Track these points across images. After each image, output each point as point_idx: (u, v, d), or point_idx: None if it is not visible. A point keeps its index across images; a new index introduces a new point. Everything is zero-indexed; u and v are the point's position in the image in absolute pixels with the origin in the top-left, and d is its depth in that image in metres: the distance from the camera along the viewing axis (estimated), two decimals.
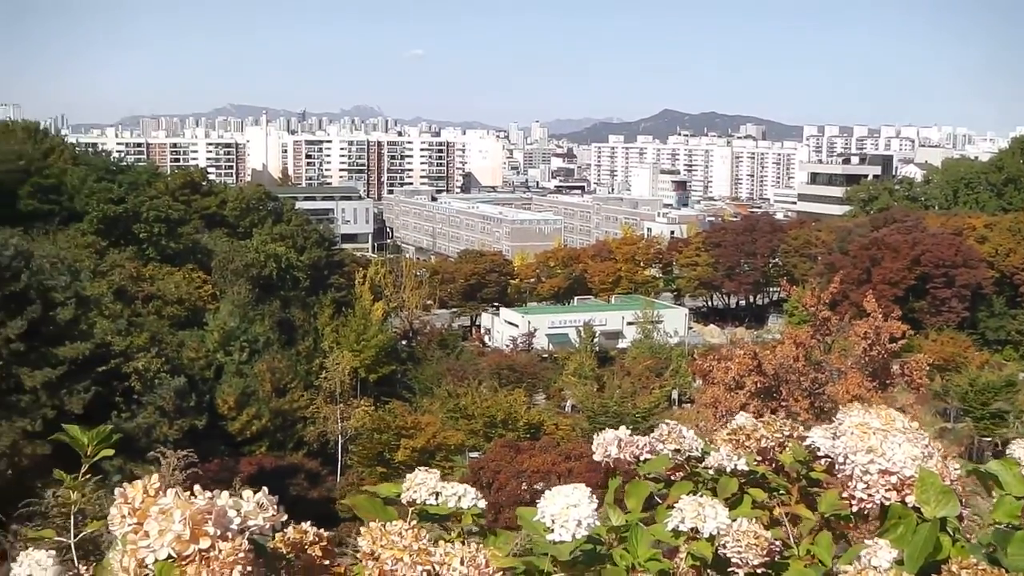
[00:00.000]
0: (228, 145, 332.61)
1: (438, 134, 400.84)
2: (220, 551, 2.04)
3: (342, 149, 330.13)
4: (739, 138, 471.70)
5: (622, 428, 3.14)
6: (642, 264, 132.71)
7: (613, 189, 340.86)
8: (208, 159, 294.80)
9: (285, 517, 2.29)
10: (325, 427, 60.07)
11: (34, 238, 62.59)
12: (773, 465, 3.10)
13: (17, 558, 2.27)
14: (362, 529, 2.41)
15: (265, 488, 2.28)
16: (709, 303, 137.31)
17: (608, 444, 3.09)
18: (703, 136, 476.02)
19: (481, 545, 2.37)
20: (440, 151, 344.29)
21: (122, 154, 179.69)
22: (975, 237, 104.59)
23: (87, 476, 2.88)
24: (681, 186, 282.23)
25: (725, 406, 34.96)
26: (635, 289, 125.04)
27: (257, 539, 2.22)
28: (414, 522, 2.47)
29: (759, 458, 3.08)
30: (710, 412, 36.44)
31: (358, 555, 2.42)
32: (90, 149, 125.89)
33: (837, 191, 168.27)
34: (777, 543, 2.67)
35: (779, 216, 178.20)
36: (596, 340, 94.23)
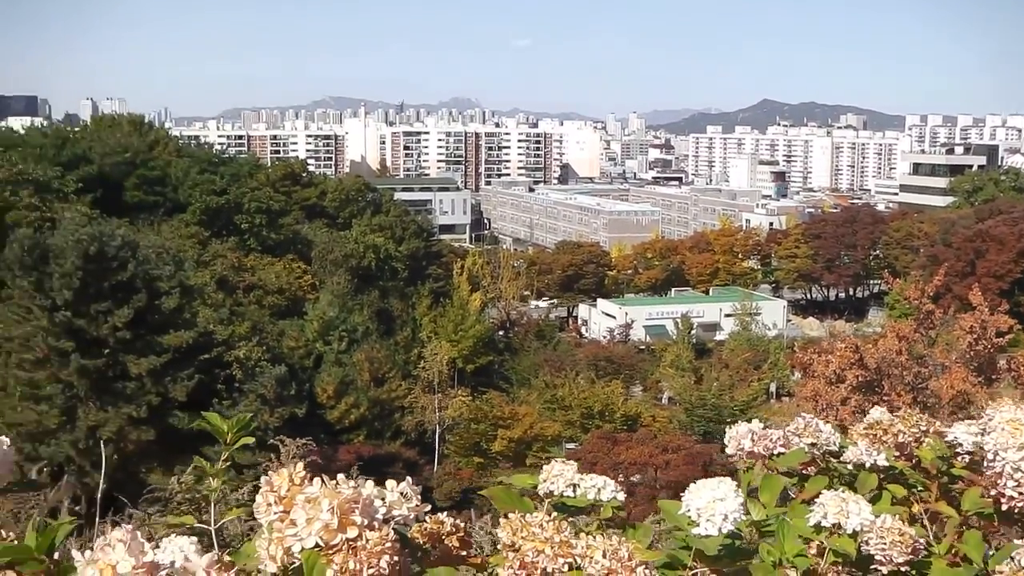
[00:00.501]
0: (327, 137, 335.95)
1: (535, 125, 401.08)
2: (367, 541, 2.03)
3: (440, 140, 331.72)
4: (839, 128, 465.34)
5: (755, 421, 3.08)
6: (740, 256, 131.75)
7: (711, 180, 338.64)
8: (307, 151, 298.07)
9: (429, 508, 2.28)
10: (423, 417, 60.31)
11: (139, 229, 63.79)
12: (912, 461, 3.03)
13: (161, 544, 2.28)
14: (502, 520, 2.39)
15: (409, 479, 2.27)
16: (808, 295, 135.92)
17: (742, 437, 3.03)
18: (802, 126, 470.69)
19: (622, 538, 2.33)
20: (537, 142, 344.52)
21: (223, 146, 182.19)
22: None
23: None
24: (780, 177, 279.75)
25: (826, 400, 34.53)
26: (733, 281, 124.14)
27: (400, 529, 2.21)
28: (555, 514, 2.44)
29: (897, 453, 3.01)
30: (810, 406, 35.96)
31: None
32: (192, 141, 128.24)
33: (940, 182, 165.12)
34: (921, 541, 2.60)
35: (880, 207, 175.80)
36: (693, 332, 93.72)
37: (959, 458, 2.93)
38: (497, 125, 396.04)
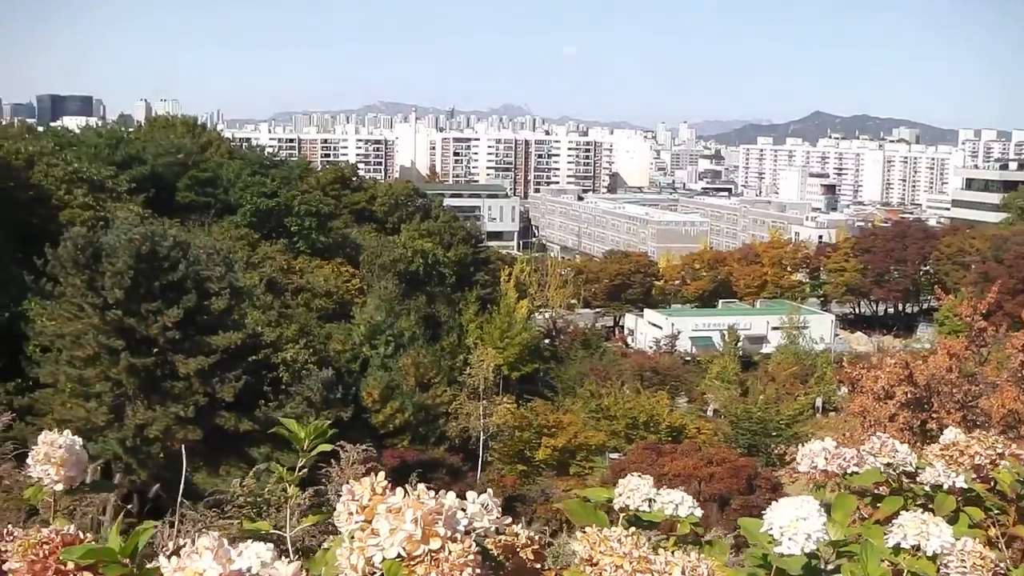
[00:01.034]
0: (377, 141, 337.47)
1: (585, 133, 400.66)
2: (450, 553, 2.02)
3: (489, 147, 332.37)
4: (891, 141, 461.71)
5: (828, 439, 3.05)
6: (789, 268, 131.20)
7: (761, 192, 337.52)
8: (357, 155, 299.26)
9: (509, 520, 2.27)
10: (467, 423, 60.32)
11: (190, 229, 64.22)
12: (990, 483, 2.99)
13: (238, 549, 2.28)
14: (579, 534, 2.38)
15: (490, 490, 2.26)
16: (856, 310, 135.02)
17: (815, 455, 3.00)
18: (854, 139, 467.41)
19: (701, 555, 2.30)
20: (587, 150, 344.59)
21: (274, 149, 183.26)
22: None
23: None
24: (830, 190, 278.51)
25: (874, 416, 34.18)
26: (781, 293, 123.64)
27: (479, 541, 2.20)
28: (634, 528, 2.42)
29: (975, 475, 2.97)
30: (858, 421, 35.67)
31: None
32: (244, 144, 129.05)
33: (993, 197, 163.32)
34: (1001, 565, 2.57)
35: (932, 222, 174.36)
36: (740, 344, 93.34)
37: None
38: (547, 133, 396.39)
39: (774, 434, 59.46)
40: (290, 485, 2.75)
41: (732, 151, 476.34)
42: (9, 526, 2.73)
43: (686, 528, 2.61)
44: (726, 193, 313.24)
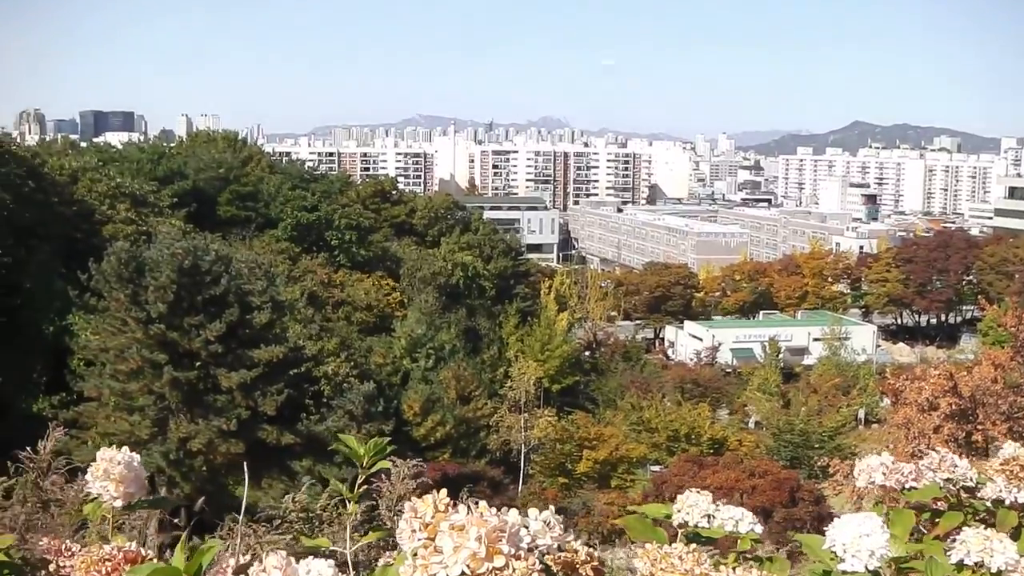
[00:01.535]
0: (416, 155, 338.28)
1: (624, 145, 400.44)
2: (514, 570, 2.02)
3: (528, 160, 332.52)
4: (932, 151, 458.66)
5: (885, 454, 3.03)
6: (830, 279, 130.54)
7: (801, 202, 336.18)
8: (397, 168, 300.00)
9: (571, 537, 2.27)
10: (508, 436, 60.35)
11: (232, 243, 64.57)
12: None
13: (299, 566, 2.28)
14: (639, 550, 2.37)
15: (552, 507, 2.25)
16: (899, 320, 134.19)
17: (873, 470, 2.98)
18: (895, 148, 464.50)
19: (763, 571, 2.29)
20: (626, 162, 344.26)
21: (314, 163, 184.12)
22: None
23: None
24: (871, 200, 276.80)
25: (918, 427, 33.94)
26: (822, 305, 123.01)
27: (541, 558, 2.20)
28: (695, 545, 2.41)
29: None
30: (902, 433, 35.41)
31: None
32: (284, 158, 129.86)
33: None
34: None
35: (974, 232, 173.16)
36: (781, 356, 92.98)
37: None
38: (586, 145, 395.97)
39: (816, 446, 59.08)
40: (351, 502, 2.75)
41: (771, 162, 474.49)
42: (68, 542, 2.75)
43: (747, 544, 2.59)
44: (766, 204, 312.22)
